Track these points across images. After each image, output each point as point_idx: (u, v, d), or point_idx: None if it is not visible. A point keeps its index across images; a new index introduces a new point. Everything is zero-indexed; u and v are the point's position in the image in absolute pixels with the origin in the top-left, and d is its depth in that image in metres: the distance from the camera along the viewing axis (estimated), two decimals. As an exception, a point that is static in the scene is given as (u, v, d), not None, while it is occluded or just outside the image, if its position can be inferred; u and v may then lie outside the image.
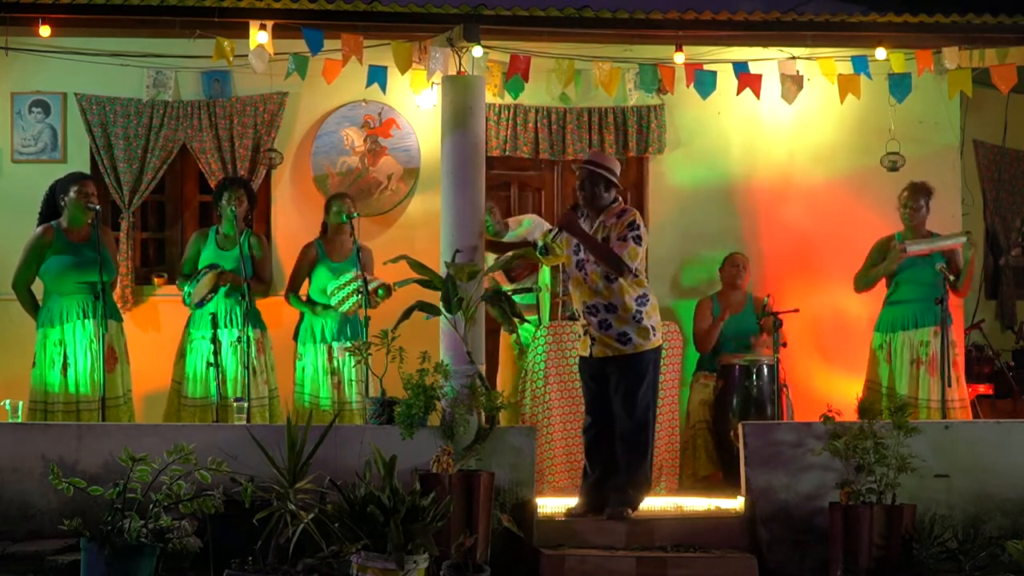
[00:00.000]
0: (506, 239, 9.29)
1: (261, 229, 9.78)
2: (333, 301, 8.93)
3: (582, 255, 8.03)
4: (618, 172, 8.13)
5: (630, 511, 8.03)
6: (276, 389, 9.08)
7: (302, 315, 9.17)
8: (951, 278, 8.98)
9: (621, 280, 7.92)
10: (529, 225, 9.43)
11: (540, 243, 8.28)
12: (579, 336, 8.23)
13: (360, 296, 8.78)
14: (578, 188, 8.08)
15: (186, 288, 8.88)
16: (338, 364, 9.04)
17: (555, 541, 7.90)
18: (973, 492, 8.13)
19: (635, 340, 7.96)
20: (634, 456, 8.03)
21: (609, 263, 7.91)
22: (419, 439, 7.72)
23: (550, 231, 8.29)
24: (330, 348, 9.04)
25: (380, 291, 8.85)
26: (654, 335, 8.02)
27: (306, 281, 9.24)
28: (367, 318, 8.73)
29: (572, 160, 10.11)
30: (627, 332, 7.95)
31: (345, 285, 8.88)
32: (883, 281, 9.32)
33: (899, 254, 9.11)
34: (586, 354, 8.10)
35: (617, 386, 7.99)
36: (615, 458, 8.06)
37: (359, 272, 8.81)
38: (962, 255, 9.15)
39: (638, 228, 7.96)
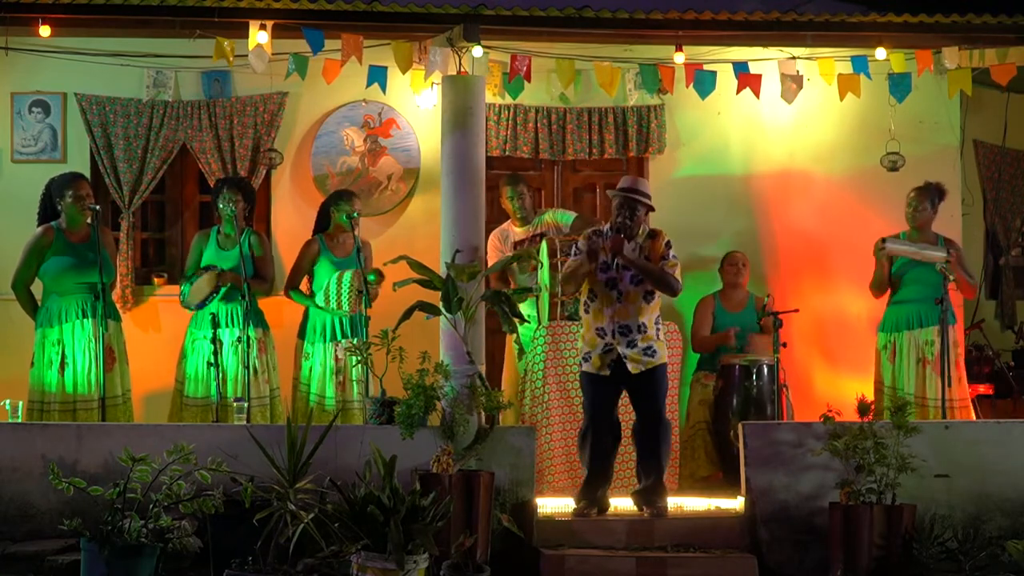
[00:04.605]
0: (528, 229, 9.40)
1: (261, 229, 9.77)
2: (332, 305, 8.91)
3: (612, 273, 8.06)
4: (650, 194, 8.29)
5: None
6: (278, 389, 9.07)
7: (307, 313, 9.16)
8: (951, 277, 8.98)
9: (657, 300, 8.14)
10: (551, 218, 9.47)
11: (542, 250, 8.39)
12: (590, 352, 8.12)
13: (358, 293, 8.78)
14: (618, 215, 8.08)
15: (183, 288, 8.87)
16: (343, 363, 9.02)
17: (555, 541, 7.90)
18: (973, 492, 8.13)
19: (659, 352, 8.14)
20: (666, 457, 8.28)
21: (663, 285, 8.10)
22: (419, 439, 7.72)
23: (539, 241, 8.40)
24: (337, 347, 9.03)
25: (371, 276, 8.84)
26: (666, 347, 8.29)
27: (306, 278, 9.23)
28: (367, 318, 8.72)
29: (572, 160, 10.14)
30: (652, 346, 8.10)
31: (337, 286, 8.87)
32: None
33: (881, 253, 9.13)
34: (603, 373, 8.08)
35: (649, 395, 8.12)
36: (611, 458, 8.22)
37: (356, 269, 8.81)
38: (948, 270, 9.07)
39: (672, 247, 8.17)
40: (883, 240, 9.17)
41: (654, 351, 8.09)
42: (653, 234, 8.21)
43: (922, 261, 9.09)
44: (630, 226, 8.07)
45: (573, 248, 8.27)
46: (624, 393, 8.25)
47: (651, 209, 8.24)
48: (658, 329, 8.16)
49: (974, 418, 9.32)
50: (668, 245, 8.16)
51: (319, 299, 8.97)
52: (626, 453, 8.46)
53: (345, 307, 8.89)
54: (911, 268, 9.18)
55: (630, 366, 8.04)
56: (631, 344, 8.05)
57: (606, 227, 8.21)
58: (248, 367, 8.72)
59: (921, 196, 9.30)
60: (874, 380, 9.36)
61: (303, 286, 9.22)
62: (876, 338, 9.36)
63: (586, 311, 8.19)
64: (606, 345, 8.08)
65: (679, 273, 8.16)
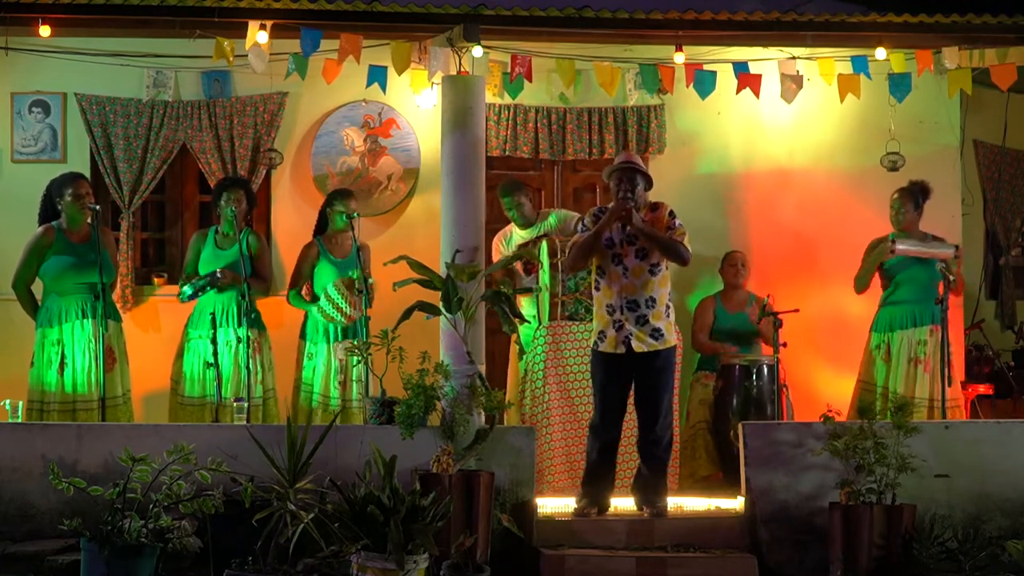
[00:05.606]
0: (532, 230, 9.39)
1: (261, 229, 9.78)
2: (339, 318, 8.90)
3: (618, 249, 8.03)
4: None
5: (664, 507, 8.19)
6: (273, 390, 9.06)
7: (307, 313, 9.16)
8: (951, 278, 8.98)
9: (664, 273, 8.05)
10: (555, 220, 9.48)
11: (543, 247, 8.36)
12: (604, 332, 8.07)
13: (358, 293, 8.78)
14: (619, 189, 8.01)
15: (183, 289, 8.87)
16: (345, 363, 9.01)
17: (555, 541, 7.90)
18: (973, 492, 8.13)
19: (666, 335, 8.07)
20: (667, 453, 8.21)
21: (673, 253, 8.03)
22: (419, 439, 7.72)
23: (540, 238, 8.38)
24: (338, 347, 9.02)
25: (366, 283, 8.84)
26: (676, 330, 8.23)
27: (308, 281, 9.23)
28: (367, 318, 8.72)
29: (572, 160, 10.14)
30: (660, 328, 8.03)
31: (330, 302, 8.88)
32: (880, 281, 9.32)
33: (887, 252, 9.12)
34: (619, 351, 8.02)
35: (651, 383, 8.06)
36: (615, 451, 8.18)
37: (341, 277, 8.81)
38: (951, 264, 9.09)
39: (676, 216, 8.11)
40: (892, 241, 9.12)
41: (661, 333, 8.01)
42: (655, 207, 8.15)
43: (929, 259, 9.08)
44: (633, 198, 8.04)
45: (580, 225, 8.24)
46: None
47: (649, 181, 8.15)
48: (668, 308, 8.09)
49: (965, 417, 9.33)
50: (672, 215, 8.10)
51: (325, 307, 8.95)
52: (627, 452, 8.45)
53: (347, 312, 8.86)
54: (905, 268, 9.17)
55: (635, 343, 7.98)
56: (640, 320, 7.98)
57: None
58: (246, 367, 8.72)
59: (904, 198, 9.29)
60: (857, 379, 9.35)
61: (304, 290, 9.21)
62: (869, 338, 9.37)
63: (597, 289, 8.15)
64: (616, 322, 8.03)
65: (688, 241, 8.08)
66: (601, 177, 8.43)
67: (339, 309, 8.88)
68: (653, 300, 8.02)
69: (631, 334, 7.99)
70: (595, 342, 8.16)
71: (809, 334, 9.90)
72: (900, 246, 9.08)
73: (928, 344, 9.07)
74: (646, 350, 8.00)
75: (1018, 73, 9.33)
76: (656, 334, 8.02)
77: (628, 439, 8.38)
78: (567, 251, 8.37)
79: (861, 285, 9.37)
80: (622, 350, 8.02)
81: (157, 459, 6.81)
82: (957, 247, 9.17)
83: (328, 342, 9.04)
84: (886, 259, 9.16)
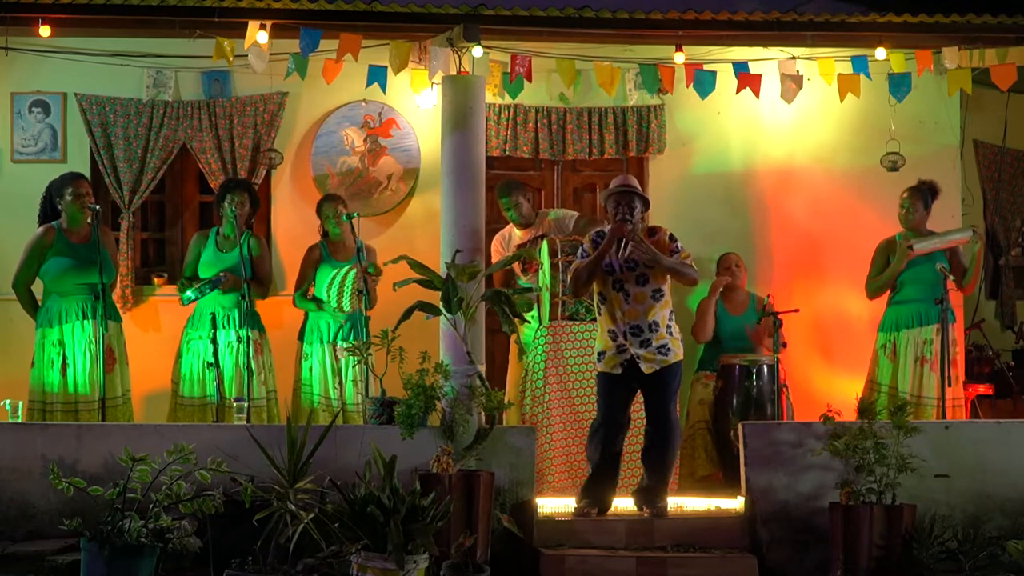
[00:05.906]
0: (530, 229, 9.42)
1: (261, 230, 9.77)
2: (333, 304, 8.92)
3: (618, 275, 8.02)
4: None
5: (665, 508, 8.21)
6: (274, 391, 9.07)
7: (306, 315, 9.17)
8: (951, 277, 8.98)
9: (667, 298, 8.07)
10: (555, 217, 9.49)
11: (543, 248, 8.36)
12: (604, 352, 8.11)
13: (357, 292, 8.78)
14: (617, 212, 8.00)
15: (186, 293, 8.88)
16: (342, 364, 9.02)
17: (555, 541, 7.91)
18: (973, 492, 8.14)
19: (673, 349, 8.10)
20: (672, 458, 8.27)
21: (682, 276, 8.06)
22: (419, 439, 7.73)
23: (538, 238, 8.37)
24: (335, 347, 9.03)
25: (371, 268, 8.84)
26: (681, 344, 8.21)
27: (312, 283, 9.24)
28: (367, 318, 8.72)
29: (572, 160, 10.14)
30: (666, 344, 8.05)
31: (340, 283, 8.87)
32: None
33: (906, 253, 9.10)
34: (615, 372, 8.05)
35: (659, 394, 8.09)
36: (618, 459, 8.18)
37: (351, 267, 8.81)
38: (968, 250, 9.14)
39: (677, 239, 8.15)
40: (909, 242, 9.10)
41: (668, 349, 8.05)
42: (653, 231, 8.18)
43: (947, 248, 9.09)
44: (631, 221, 8.05)
45: (580, 251, 8.24)
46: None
47: (647, 204, 8.18)
48: (670, 327, 8.09)
49: (968, 417, 9.33)
50: (672, 238, 8.13)
51: (323, 298, 8.97)
52: (627, 454, 8.45)
53: (346, 307, 8.88)
54: (912, 267, 9.17)
55: (643, 366, 8.00)
56: (644, 343, 8.01)
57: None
58: (247, 368, 8.72)
59: (914, 197, 9.29)
60: (867, 379, 9.36)
61: (308, 292, 9.22)
62: (876, 337, 9.37)
63: (599, 313, 8.18)
64: (619, 346, 8.06)
65: (692, 262, 8.13)
66: (601, 180, 8.43)
67: (340, 299, 8.85)
68: (656, 324, 8.03)
69: (637, 356, 8.00)
70: (596, 358, 8.22)
71: (809, 334, 9.91)
72: (919, 246, 9.07)
73: (934, 343, 9.06)
74: (657, 368, 8.03)
75: (1018, 73, 9.34)
76: (663, 350, 8.04)
77: (630, 441, 8.39)
78: (568, 278, 8.38)
79: (874, 292, 9.33)
80: (619, 371, 8.05)
81: (157, 459, 6.81)
82: (973, 227, 9.20)
83: (323, 343, 9.05)
84: (905, 262, 9.13)
